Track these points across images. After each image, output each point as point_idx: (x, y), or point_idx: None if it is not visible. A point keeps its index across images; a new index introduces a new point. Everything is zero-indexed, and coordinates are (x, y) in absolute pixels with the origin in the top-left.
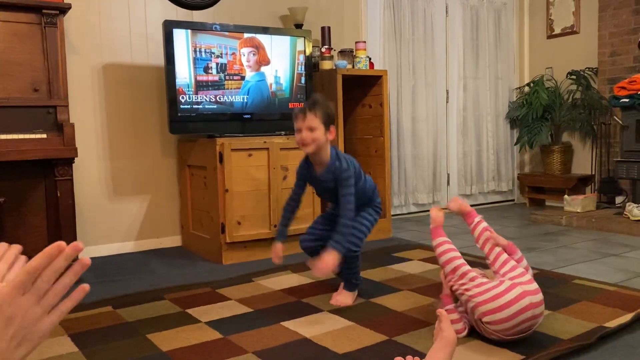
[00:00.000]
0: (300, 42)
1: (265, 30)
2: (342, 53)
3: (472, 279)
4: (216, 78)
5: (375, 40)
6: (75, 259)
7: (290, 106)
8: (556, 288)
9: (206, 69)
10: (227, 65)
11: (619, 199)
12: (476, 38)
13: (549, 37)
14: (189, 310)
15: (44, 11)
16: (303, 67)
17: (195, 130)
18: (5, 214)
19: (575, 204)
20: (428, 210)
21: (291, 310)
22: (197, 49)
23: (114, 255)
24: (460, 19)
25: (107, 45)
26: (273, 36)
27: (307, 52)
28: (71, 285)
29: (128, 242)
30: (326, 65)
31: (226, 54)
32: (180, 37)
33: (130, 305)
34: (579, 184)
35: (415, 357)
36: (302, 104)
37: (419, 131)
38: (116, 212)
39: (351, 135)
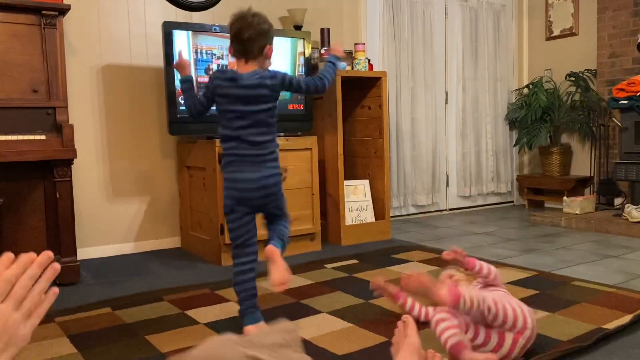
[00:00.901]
0: (300, 43)
1: None
2: None
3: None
4: None
5: (375, 42)
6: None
7: (289, 108)
8: (555, 289)
9: (207, 71)
10: (228, 67)
11: (617, 201)
12: (475, 40)
13: (548, 38)
14: (188, 312)
15: (44, 12)
16: (303, 68)
17: (195, 132)
18: (4, 215)
19: (574, 205)
20: (428, 212)
21: (290, 311)
22: (199, 50)
23: (113, 257)
24: (459, 20)
25: (107, 46)
26: None
27: (307, 54)
28: (45, 290)
29: (127, 244)
30: None
31: (227, 55)
32: (182, 38)
33: (129, 307)
34: (578, 186)
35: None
36: (301, 105)
37: (418, 132)
38: (115, 213)
39: (350, 137)
